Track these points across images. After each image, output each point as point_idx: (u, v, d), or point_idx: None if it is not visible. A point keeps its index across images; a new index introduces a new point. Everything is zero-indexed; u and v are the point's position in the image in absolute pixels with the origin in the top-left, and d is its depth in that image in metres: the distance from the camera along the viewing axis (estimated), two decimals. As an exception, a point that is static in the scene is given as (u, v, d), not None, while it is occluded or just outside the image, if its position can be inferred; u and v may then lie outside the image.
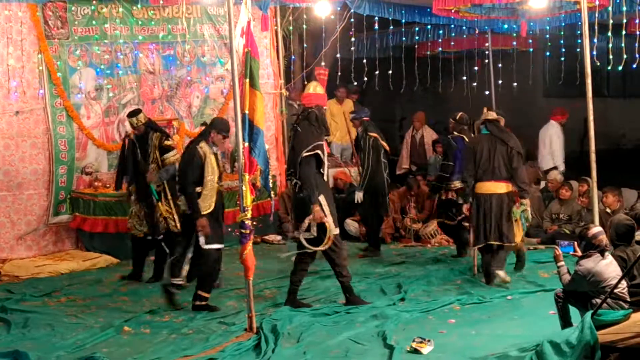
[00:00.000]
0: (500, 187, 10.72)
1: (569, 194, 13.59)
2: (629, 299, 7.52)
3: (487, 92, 14.84)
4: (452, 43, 17.12)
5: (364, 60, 14.85)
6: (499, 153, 10.69)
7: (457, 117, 12.46)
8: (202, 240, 9.80)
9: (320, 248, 9.67)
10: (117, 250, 12.99)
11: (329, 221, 9.60)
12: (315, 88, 10.16)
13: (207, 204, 9.79)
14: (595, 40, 11.27)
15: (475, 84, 16.05)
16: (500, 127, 11.04)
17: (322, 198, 9.63)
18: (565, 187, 13.70)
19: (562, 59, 15.68)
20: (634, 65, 11.71)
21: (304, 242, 9.68)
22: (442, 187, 12.60)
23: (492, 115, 11.08)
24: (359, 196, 12.83)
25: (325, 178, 9.88)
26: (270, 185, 9.62)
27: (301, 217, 9.64)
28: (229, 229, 13.32)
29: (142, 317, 9.75)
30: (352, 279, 10.25)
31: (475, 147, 10.84)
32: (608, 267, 7.55)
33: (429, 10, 14.00)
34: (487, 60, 15.81)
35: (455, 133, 12.33)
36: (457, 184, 12.21)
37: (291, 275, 10.01)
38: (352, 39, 15.67)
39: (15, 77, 12.73)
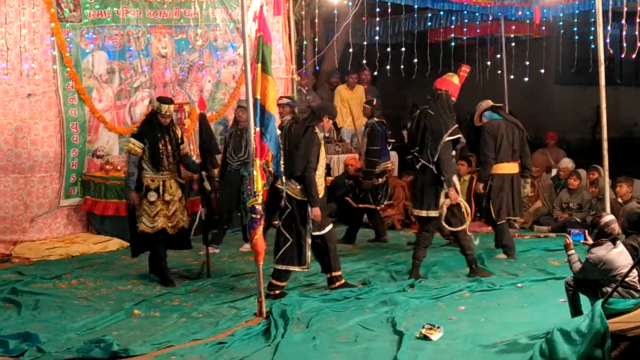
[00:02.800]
0: (515, 168, 11.61)
1: (577, 183, 13.55)
2: (639, 288, 7.51)
3: (499, 72, 14.78)
4: (465, 29, 17.09)
5: (376, 46, 14.81)
6: (516, 136, 11.53)
7: (374, 103, 13.10)
8: (311, 227, 9.75)
9: (464, 227, 10.43)
10: (127, 233, 12.96)
11: (464, 202, 10.43)
12: (453, 77, 10.60)
13: (320, 189, 9.80)
14: (609, 27, 11.21)
15: (487, 70, 15.98)
16: (507, 113, 11.84)
17: (455, 179, 10.35)
18: (574, 176, 13.66)
19: (575, 46, 15.61)
20: (647, 54, 11.65)
21: (444, 224, 10.44)
22: (374, 173, 12.77)
23: (488, 103, 11.77)
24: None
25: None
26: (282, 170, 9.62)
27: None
28: (239, 214, 13.39)
29: (152, 301, 9.78)
30: (362, 265, 10.49)
31: (495, 131, 11.42)
32: (619, 256, 7.54)
33: (441, -5, 13.98)
34: (499, 47, 15.78)
35: (376, 119, 12.81)
36: (389, 164, 13.35)
37: (416, 252, 10.49)
38: (365, 25, 15.62)
39: (27, 59, 12.73)
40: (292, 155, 9.77)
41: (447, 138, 10.14)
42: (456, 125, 10.33)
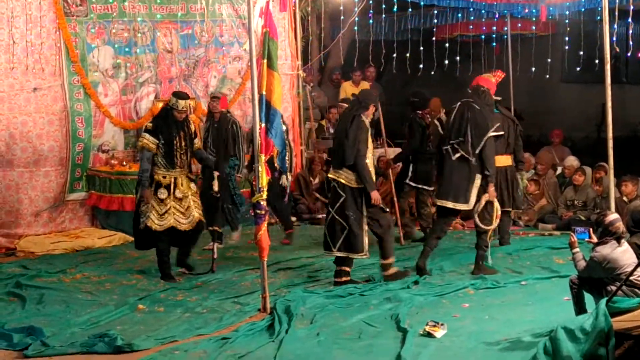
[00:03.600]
0: (509, 160, 11.81)
1: (582, 179, 13.53)
2: (644, 287, 7.51)
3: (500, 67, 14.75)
4: (471, 27, 17.05)
5: (382, 43, 14.80)
6: (511, 130, 11.75)
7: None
8: (374, 211, 9.91)
9: (493, 227, 10.52)
10: (132, 228, 13.00)
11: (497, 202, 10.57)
12: (491, 78, 10.91)
13: (372, 175, 9.96)
14: (615, 26, 11.20)
15: (493, 68, 15.95)
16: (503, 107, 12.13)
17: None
18: (579, 172, 13.65)
19: (581, 44, 15.59)
20: (654, 52, 11.66)
21: (478, 222, 10.39)
22: None
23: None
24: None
25: None
26: (287, 166, 9.64)
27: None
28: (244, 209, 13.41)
29: (156, 296, 9.78)
30: (366, 261, 10.49)
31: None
32: (624, 255, 7.53)
33: (448, -7, 13.97)
34: (505, 45, 15.77)
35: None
36: None
37: (429, 240, 10.62)
38: (371, 21, 15.61)
39: (34, 53, 12.74)
40: (342, 145, 9.85)
41: (491, 133, 10.33)
42: (499, 123, 10.66)
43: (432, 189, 12.30)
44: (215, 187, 11.40)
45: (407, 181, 12.61)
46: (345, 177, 9.85)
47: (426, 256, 10.52)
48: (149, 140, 10.35)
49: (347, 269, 10.09)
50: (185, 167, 10.58)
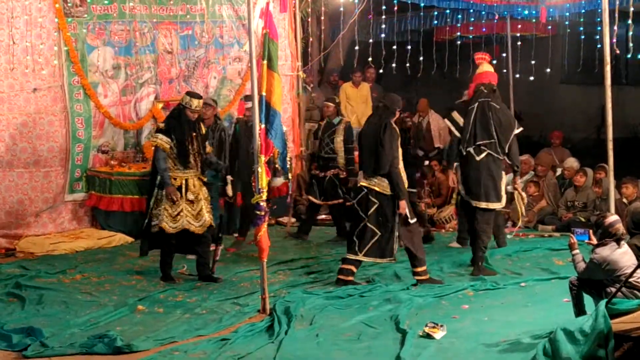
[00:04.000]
0: None
1: (583, 180, 13.54)
2: (643, 288, 7.51)
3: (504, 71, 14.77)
4: (471, 28, 17.06)
5: (382, 44, 14.80)
6: None
7: (337, 101, 13.20)
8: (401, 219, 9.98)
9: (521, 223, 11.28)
10: (132, 229, 13.02)
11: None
12: (488, 67, 11.08)
13: (404, 181, 10.04)
14: (615, 27, 11.20)
15: (493, 69, 15.95)
16: None
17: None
18: (580, 173, 13.66)
19: (581, 45, 15.60)
20: (654, 54, 11.67)
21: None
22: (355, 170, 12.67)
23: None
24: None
25: None
26: (288, 167, 9.65)
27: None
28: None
29: (156, 296, 9.77)
30: (367, 263, 10.46)
31: None
32: (624, 256, 7.53)
33: (448, -6, 13.98)
34: (505, 46, 15.77)
35: (344, 118, 12.98)
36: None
37: (481, 244, 10.69)
38: (371, 22, 15.61)
39: (33, 54, 12.74)
40: (375, 153, 9.90)
41: (516, 130, 10.60)
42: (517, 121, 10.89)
43: (415, 190, 12.42)
44: (230, 192, 11.36)
45: None
46: (378, 185, 9.93)
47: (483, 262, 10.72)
48: (162, 140, 10.22)
49: (355, 269, 10.14)
50: (197, 168, 10.42)
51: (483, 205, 10.60)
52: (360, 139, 10.27)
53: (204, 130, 10.62)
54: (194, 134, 10.36)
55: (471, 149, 10.60)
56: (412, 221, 10.03)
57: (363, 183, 10.05)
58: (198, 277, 10.58)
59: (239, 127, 12.50)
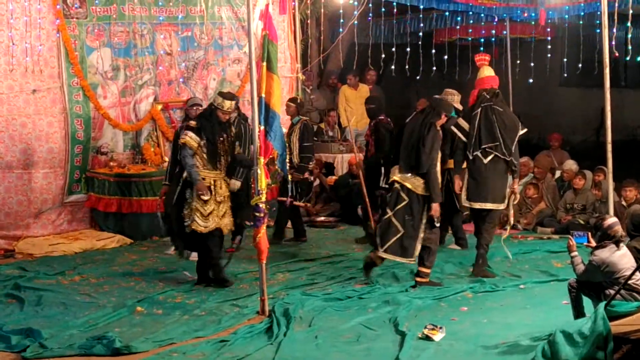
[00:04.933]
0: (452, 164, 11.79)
1: (582, 183, 13.55)
2: (642, 291, 7.51)
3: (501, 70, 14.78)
4: (470, 30, 17.05)
5: (381, 46, 14.81)
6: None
7: (299, 101, 13.19)
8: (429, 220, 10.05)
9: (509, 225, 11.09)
10: (131, 230, 13.03)
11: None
12: (490, 71, 11.17)
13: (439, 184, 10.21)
14: (614, 30, 11.21)
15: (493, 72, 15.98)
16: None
17: None
18: (579, 175, 13.67)
19: (580, 48, 15.60)
20: (653, 57, 11.67)
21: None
22: (307, 168, 12.65)
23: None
24: None
25: None
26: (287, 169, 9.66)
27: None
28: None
29: (154, 298, 9.77)
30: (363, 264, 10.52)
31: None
32: (623, 258, 7.54)
33: (447, -4, 13.99)
34: (504, 48, 15.77)
35: (303, 117, 12.85)
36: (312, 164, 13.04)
37: (486, 239, 10.82)
38: (370, 24, 15.62)
39: (33, 55, 12.74)
40: (415, 151, 9.98)
41: (521, 132, 10.72)
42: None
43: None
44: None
45: (382, 185, 12.55)
46: (412, 182, 9.99)
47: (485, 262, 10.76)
48: (191, 138, 10.02)
49: (378, 263, 10.33)
50: (224, 170, 10.26)
51: (489, 206, 10.69)
52: (399, 135, 10.37)
53: (233, 131, 10.56)
54: (225, 135, 10.24)
55: (478, 153, 10.70)
56: (437, 224, 10.11)
57: (396, 178, 10.13)
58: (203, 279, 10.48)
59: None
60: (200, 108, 11.74)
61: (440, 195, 10.07)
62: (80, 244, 12.60)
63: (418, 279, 10.15)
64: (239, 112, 12.21)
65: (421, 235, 10.01)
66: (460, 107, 12.06)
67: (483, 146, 10.67)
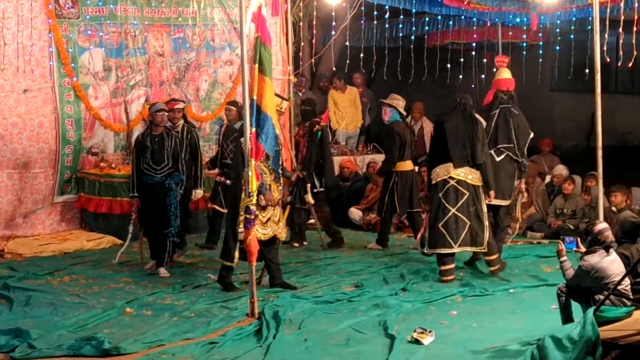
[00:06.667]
0: (412, 165, 12.75)
1: (571, 188, 13.57)
2: (631, 297, 7.52)
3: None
4: (462, 34, 17.09)
5: (374, 49, 14.82)
6: (411, 137, 12.69)
7: (240, 105, 12.39)
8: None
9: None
10: (121, 231, 12.97)
11: None
12: (507, 74, 11.45)
13: None
14: (606, 35, 11.24)
15: (483, 76, 16.00)
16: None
17: None
18: (568, 180, 13.69)
19: (572, 53, 15.63)
20: (644, 63, 11.70)
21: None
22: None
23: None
24: None
25: None
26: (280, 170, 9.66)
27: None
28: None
29: (144, 299, 9.76)
30: (356, 267, 10.80)
31: (402, 132, 12.44)
32: (612, 264, 7.55)
33: (439, 0, 13.98)
34: (496, 53, 15.78)
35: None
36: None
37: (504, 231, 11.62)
38: (362, 28, 15.63)
39: (24, 55, 12.72)
40: (472, 144, 10.42)
41: (531, 135, 11.11)
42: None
43: None
44: (310, 200, 11.30)
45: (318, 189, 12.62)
46: (469, 176, 10.44)
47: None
48: None
49: (452, 266, 10.57)
50: (273, 173, 9.97)
51: (499, 202, 11.05)
52: (443, 133, 10.55)
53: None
54: None
55: (492, 151, 11.00)
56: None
57: (452, 175, 10.43)
58: (270, 285, 10.26)
59: (321, 133, 12.41)
60: (166, 113, 11.18)
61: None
62: (70, 245, 12.59)
63: (493, 269, 10.65)
64: (185, 119, 12.15)
65: (486, 223, 10.50)
66: (404, 113, 12.76)
67: (499, 146, 11.08)
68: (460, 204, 10.40)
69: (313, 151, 12.36)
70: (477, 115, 10.66)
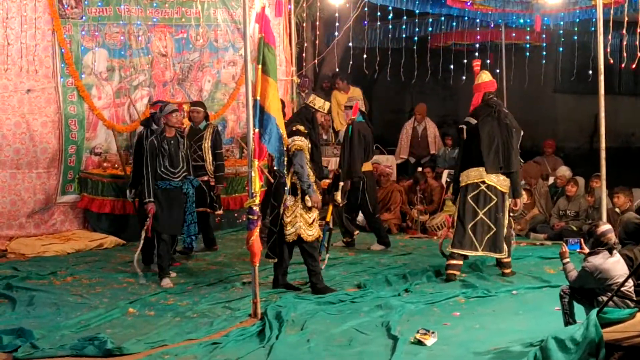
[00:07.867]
0: (370, 166, 12.91)
1: (574, 190, 13.58)
2: (635, 298, 7.50)
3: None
4: (465, 36, 17.09)
5: (377, 50, 14.82)
6: (369, 139, 12.61)
7: (205, 108, 12.75)
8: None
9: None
10: (123, 231, 13.02)
11: None
12: (488, 76, 11.21)
13: None
14: (609, 37, 11.24)
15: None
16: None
17: None
18: (571, 182, 13.69)
19: (575, 54, 15.63)
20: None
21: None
22: (223, 177, 12.49)
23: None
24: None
25: None
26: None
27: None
28: (236, 214, 13.41)
29: (147, 299, 9.76)
30: (358, 268, 10.75)
31: (366, 133, 12.47)
32: (616, 265, 7.54)
33: (443, 1, 13.98)
34: (499, 54, 15.80)
35: (212, 123, 12.67)
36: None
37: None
38: (365, 28, 15.64)
39: (28, 55, 12.73)
40: (507, 151, 10.52)
41: (521, 133, 11.00)
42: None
43: None
44: (339, 198, 11.34)
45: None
46: (499, 182, 10.53)
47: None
48: (304, 142, 9.71)
49: (461, 262, 10.71)
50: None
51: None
52: (477, 138, 10.56)
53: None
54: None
55: None
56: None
57: (484, 179, 10.51)
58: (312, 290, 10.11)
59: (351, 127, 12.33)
60: (178, 114, 10.83)
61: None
62: (73, 245, 12.59)
63: (506, 271, 10.74)
64: (207, 118, 12.26)
65: (505, 230, 10.54)
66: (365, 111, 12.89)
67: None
68: (487, 208, 10.48)
69: (345, 146, 12.32)
70: (513, 121, 10.67)
